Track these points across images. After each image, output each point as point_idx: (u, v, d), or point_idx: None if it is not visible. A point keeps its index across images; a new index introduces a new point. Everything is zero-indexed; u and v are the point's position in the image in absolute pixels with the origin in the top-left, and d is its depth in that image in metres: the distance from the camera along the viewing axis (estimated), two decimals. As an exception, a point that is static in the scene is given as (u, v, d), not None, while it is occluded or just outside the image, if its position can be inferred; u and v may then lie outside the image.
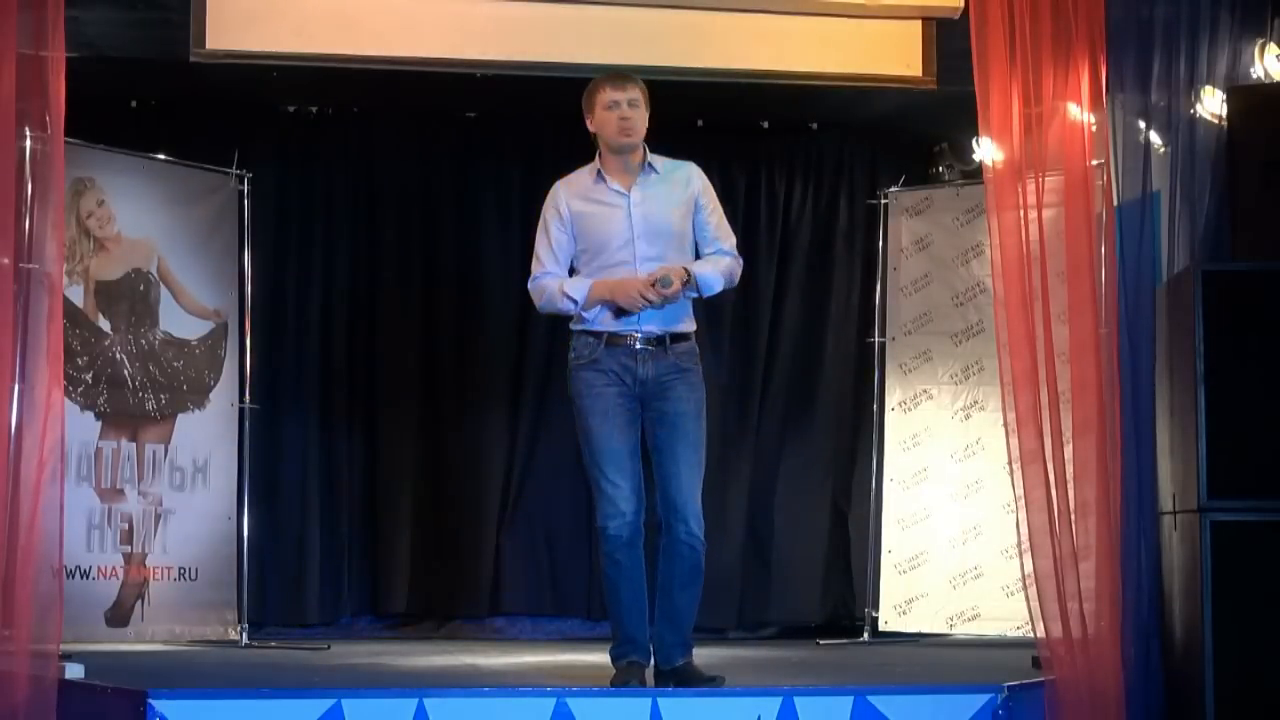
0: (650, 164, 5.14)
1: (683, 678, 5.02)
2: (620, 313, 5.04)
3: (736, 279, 5.25)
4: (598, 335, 5.07)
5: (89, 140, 6.73)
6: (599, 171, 5.14)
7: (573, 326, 5.15)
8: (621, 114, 5.07)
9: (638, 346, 5.05)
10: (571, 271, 5.18)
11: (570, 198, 5.15)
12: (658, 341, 5.07)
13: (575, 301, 5.07)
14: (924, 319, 7.72)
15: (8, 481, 4.83)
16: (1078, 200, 5.38)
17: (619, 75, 5.16)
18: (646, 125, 5.12)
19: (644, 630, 5.06)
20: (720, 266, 5.15)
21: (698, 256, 5.18)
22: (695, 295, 5.12)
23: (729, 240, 5.23)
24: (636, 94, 5.09)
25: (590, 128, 5.17)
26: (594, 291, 5.05)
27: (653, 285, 4.95)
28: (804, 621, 8.06)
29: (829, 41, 6.67)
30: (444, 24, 6.55)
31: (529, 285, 5.20)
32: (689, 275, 5.03)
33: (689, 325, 5.15)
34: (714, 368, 7.55)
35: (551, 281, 5.13)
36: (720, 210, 5.25)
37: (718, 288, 5.14)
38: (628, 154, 5.12)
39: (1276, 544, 5.35)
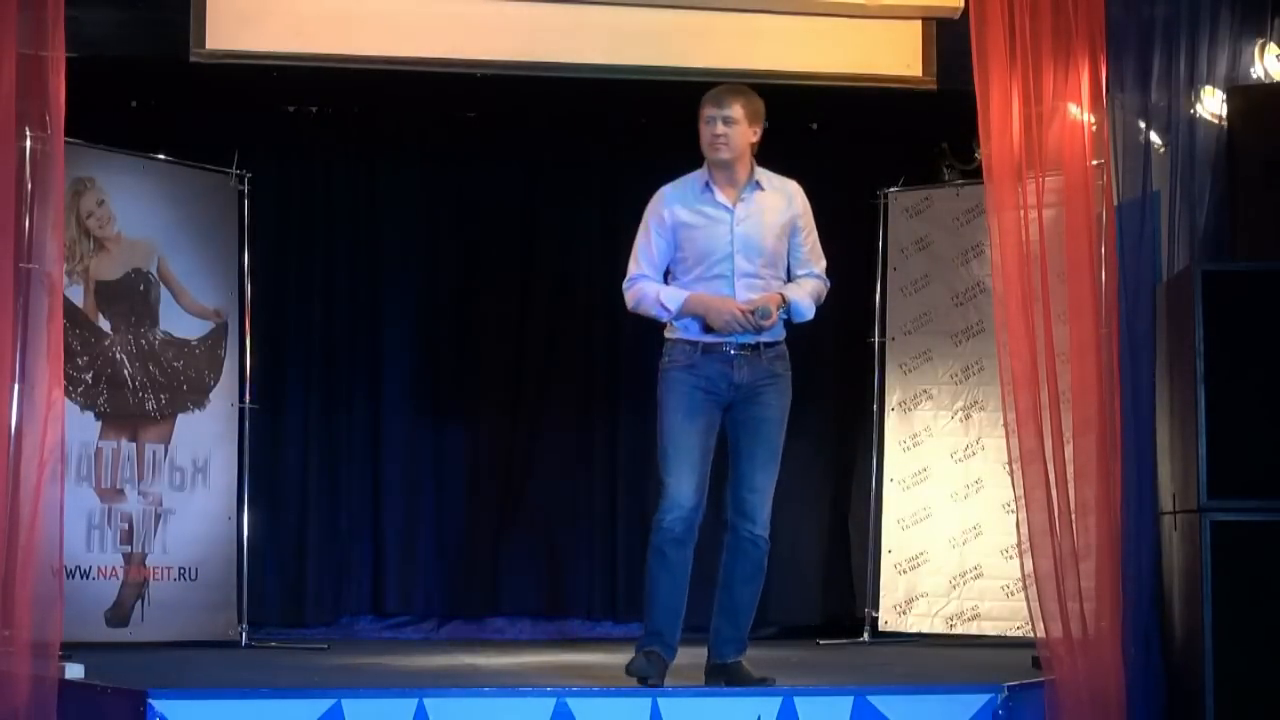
0: (757, 181, 5.17)
1: (733, 676, 5.05)
2: (709, 329, 5.08)
3: (823, 300, 5.29)
4: (693, 343, 5.11)
5: (89, 140, 6.72)
6: (707, 182, 5.16)
7: (668, 335, 5.18)
8: (715, 130, 5.09)
9: (733, 353, 5.10)
10: (667, 274, 5.21)
11: (676, 205, 5.16)
12: (753, 348, 5.12)
13: (669, 311, 5.11)
14: (924, 319, 7.71)
15: (8, 481, 4.83)
16: (1078, 200, 5.39)
17: (724, 90, 5.14)
18: (750, 140, 5.13)
19: (674, 631, 5.07)
20: (812, 290, 5.20)
21: (788, 274, 5.21)
22: (786, 319, 5.17)
23: (820, 263, 5.27)
24: (734, 111, 5.08)
25: None
26: (688, 305, 5.08)
27: (750, 314, 5.00)
28: (804, 621, 8.04)
29: (829, 41, 6.65)
30: (444, 24, 6.52)
31: (625, 286, 5.22)
32: (785, 302, 5.09)
33: (780, 332, 5.20)
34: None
35: (649, 286, 5.16)
36: (815, 232, 5.28)
37: (809, 314, 5.20)
38: (728, 169, 5.12)
39: (1276, 544, 5.35)
